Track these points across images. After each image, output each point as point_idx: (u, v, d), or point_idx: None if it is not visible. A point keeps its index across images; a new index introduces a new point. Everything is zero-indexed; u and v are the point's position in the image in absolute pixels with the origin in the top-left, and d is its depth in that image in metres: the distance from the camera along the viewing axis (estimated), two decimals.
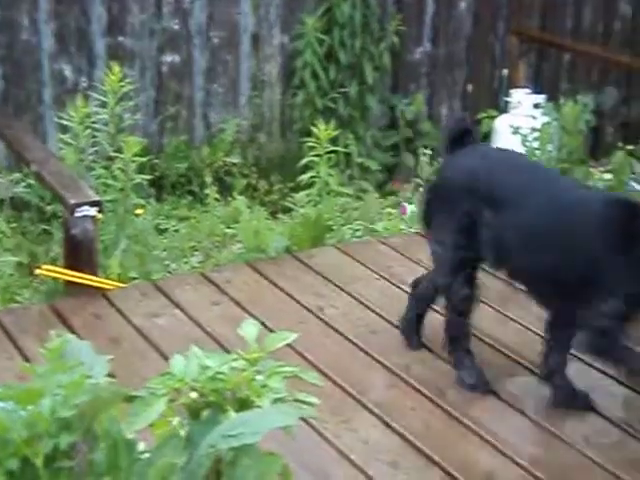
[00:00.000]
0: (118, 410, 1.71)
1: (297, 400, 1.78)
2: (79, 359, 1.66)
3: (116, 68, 5.03)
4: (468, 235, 3.40)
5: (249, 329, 1.87)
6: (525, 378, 3.59)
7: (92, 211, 4.05)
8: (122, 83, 5.03)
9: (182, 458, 1.65)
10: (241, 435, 1.57)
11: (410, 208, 5.89)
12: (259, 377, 1.77)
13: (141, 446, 1.75)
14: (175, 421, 1.80)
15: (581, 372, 3.63)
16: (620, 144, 6.63)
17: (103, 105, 5.07)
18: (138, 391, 1.76)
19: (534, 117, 6.57)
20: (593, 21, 7.46)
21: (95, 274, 4.13)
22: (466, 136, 3.57)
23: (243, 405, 1.74)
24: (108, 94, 5.02)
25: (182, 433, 1.73)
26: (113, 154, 4.97)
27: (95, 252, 4.16)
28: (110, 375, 1.78)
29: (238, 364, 1.78)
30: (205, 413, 1.73)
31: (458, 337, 3.54)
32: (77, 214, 4.02)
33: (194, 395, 1.76)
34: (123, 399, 1.70)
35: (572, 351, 3.75)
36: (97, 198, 4.18)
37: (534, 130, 5.82)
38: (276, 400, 1.71)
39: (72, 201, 4.05)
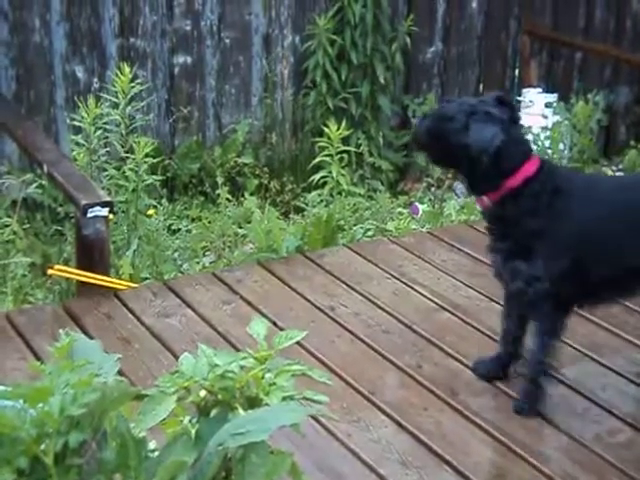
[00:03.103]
0: (128, 408, 1.72)
1: (306, 398, 1.79)
2: (88, 358, 1.67)
3: (126, 68, 5.04)
4: None
5: (258, 327, 1.88)
6: None
7: (104, 212, 4.06)
8: (133, 84, 5.04)
9: (191, 456, 1.65)
10: (249, 433, 1.57)
11: (422, 208, 5.90)
12: (268, 375, 1.78)
13: (152, 444, 1.76)
14: (186, 420, 1.80)
15: (594, 371, 3.63)
16: (632, 143, 6.64)
17: (115, 106, 5.09)
18: (148, 390, 1.77)
19: (545, 116, 6.58)
20: (605, 19, 7.44)
21: (107, 274, 4.15)
22: None
23: (252, 403, 1.75)
24: (119, 95, 5.04)
25: (193, 432, 1.74)
26: (125, 155, 4.99)
27: (107, 252, 4.17)
28: (121, 374, 1.79)
29: (247, 362, 1.79)
30: (214, 411, 1.74)
31: None
32: (89, 215, 4.03)
33: (203, 393, 1.76)
34: (133, 397, 1.71)
35: (585, 350, 3.77)
36: (109, 199, 4.19)
37: (546, 129, 5.82)
38: (285, 398, 1.72)
39: (84, 202, 4.06)
